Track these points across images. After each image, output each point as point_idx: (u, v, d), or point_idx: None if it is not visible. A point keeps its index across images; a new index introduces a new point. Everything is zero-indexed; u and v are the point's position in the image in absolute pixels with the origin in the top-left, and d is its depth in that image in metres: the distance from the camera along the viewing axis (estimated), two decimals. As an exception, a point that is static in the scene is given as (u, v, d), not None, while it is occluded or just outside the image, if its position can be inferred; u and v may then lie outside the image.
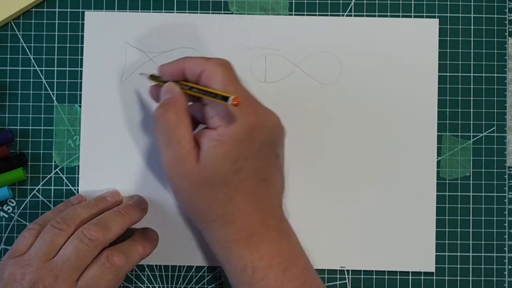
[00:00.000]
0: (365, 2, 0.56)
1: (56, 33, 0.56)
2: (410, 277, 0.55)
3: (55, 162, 0.55)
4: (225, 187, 0.47)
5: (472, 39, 0.56)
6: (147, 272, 0.55)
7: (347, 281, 0.55)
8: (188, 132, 0.47)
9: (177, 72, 0.49)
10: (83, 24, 0.56)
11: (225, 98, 0.44)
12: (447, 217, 0.55)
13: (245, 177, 0.47)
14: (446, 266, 0.55)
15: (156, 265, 0.55)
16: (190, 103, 0.49)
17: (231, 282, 0.50)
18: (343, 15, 0.56)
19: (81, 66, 0.55)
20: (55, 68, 0.55)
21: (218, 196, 0.47)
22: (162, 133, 0.47)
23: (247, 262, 0.47)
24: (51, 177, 0.55)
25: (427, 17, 0.56)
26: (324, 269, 0.55)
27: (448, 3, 0.56)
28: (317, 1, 0.56)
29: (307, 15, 0.56)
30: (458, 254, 0.55)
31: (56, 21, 0.56)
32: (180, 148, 0.46)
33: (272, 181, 0.49)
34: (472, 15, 0.56)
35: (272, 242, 0.48)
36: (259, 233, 0.48)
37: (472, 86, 0.56)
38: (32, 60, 0.55)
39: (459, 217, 0.56)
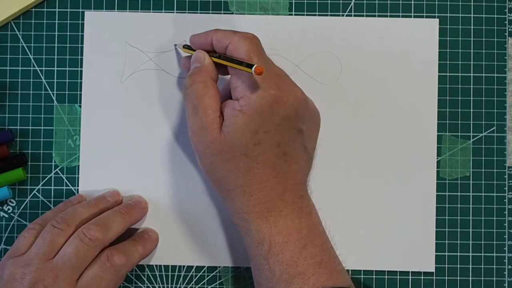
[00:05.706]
0: (365, 2, 0.56)
1: (56, 33, 0.56)
2: (410, 277, 0.55)
3: (55, 162, 0.55)
4: (245, 157, 0.47)
5: (472, 39, 0.56)
6: (147, 272, 0.55)
7: (347, 281, 0.55)
8: (215, 101, 0.48)
9: (206, 43, 0.50)
10: (83, 24, 0.56)
11: (250, 66, 0.45)
12: (447, 217, 0.55)
13: (265, 150, 0.47)
14: (446, 266, 0.55)
15: (156, 265, 0.55)
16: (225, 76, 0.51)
17: (249, 255, 0.50)
18: (343, 15, 0.56)
19: (81, 66, 0.55)
20: (55, 68, 0.55)
21: (238, 166, 0.47)
22: (190, 102, 0.49)
23: (264, 236, 0.48)
24: (51, 177, 0.55)
25: (427, 17, 0.56)
26: (324, 269, 0.55)
27: (448, 3, 0.56)
28: (317, 1, 0.56)
29: (307, 15, 0.56)
30: (458, 254, 0.55)
31: (56, 21, 0.56)
32: (206, 116, 0.48)
33: (294, 157, 0.49)
34: (472, 15, 0.56)
35: (290, 218, 0.48)
36: (278, 208, 0.48)
37: (472, 86, 0.56)
38: (32, 60, 0.55)
39: (459, 217, 0.56)
